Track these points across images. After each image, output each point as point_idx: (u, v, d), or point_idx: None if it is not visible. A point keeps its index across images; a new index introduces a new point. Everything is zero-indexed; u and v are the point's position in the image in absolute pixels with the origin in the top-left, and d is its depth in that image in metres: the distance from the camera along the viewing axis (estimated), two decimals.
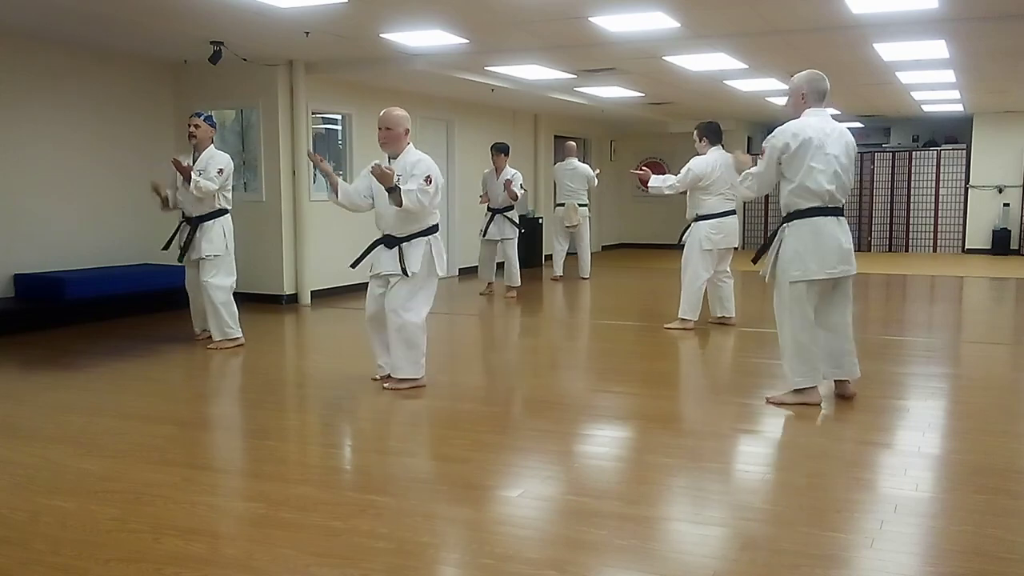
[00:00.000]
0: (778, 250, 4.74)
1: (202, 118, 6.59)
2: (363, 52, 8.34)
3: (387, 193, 4.94)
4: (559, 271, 11.26)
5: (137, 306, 8.19)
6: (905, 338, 7.33)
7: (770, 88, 11.01)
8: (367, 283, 5.40)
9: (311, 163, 5.29)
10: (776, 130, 4.70)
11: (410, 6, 6.48)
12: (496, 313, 8.97)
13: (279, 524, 3.18)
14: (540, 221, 12.98)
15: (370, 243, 5.31)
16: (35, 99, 7.80)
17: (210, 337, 6.70)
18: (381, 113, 5.15)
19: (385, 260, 5.16)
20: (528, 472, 3.87)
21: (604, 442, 4.44)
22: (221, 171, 6.51)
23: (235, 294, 9.06)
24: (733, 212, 7.34)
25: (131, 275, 8.32)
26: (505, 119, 12.82)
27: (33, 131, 7.78)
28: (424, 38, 7.63)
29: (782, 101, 12.55)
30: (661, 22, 6.88)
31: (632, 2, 6.34)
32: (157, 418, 4.75)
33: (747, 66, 9.13)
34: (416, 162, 5.06)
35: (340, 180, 5.38)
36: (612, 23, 6.98)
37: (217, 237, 6.56)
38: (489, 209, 9.69)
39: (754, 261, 5.09)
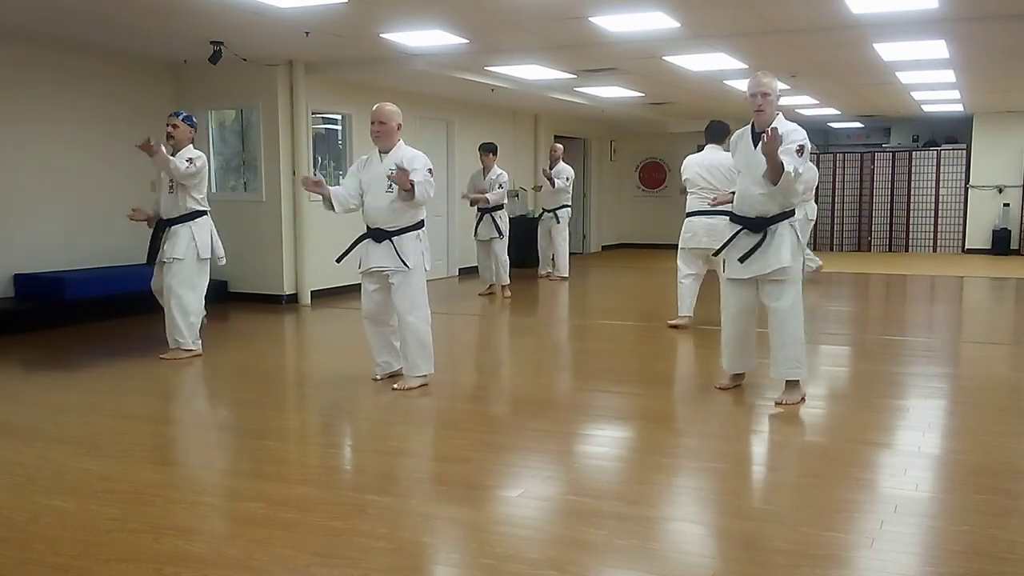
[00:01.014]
0: (795, 243, 4.77)
1: (180, 118, 6.33)
2: (363, 52, 8.34)
3: (402, 191, 4.96)
4: (566, 271, 11.28)
5: (137, 306, 8.16)
6: (905, 338, 7.33)
7: None
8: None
9: (304, 186, 5.23)
10: (799, 128, 4.69)
11: (410, 6, 6.47)
12: (496, 313, 8.97)
13: (279, 524, 3.18)
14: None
15: (356, 238, 5.27)
16: (35, 99, 7.80)
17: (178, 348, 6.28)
18: (373, 108, 5.15)
19: (377, 255, 5.13)
20: (528, 472, 3.86)
21: (604, 442, 4.44)
22: (191, 160, 6.13)
23: (234, 294, 9.17)
24: (703, 212, 6.99)
25: (131, 275, 8.29)
26: (505, 119, 12.82)
27: (33, 131, 7.78)
28: (424, 38, 7.63)
29: (783, 101, 12.55)
30: (661, 22, 6.88)
31: (632, 2, 6.34)
32: (157, 418, 4.75)
33: (747, 66, 9.12)
34: (414, 157, 5.09)
35: (331, 189, 5.24)
36: (612, 23, 6.98)
37: (183, 241, 6.16)
38: (479, 210, 9.70)
39: (715, 255, 5.18)
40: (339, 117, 10.00)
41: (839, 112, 14.36)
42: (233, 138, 9.45)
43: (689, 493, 3.62)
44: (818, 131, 16.47)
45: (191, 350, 6.27)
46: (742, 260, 4.79)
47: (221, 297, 9.13)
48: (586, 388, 5.71)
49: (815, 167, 11.04)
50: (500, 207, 9.65)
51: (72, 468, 3.86)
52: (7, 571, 2.82)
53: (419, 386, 5.22)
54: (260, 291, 9.09)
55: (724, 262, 4.97)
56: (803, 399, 4.86)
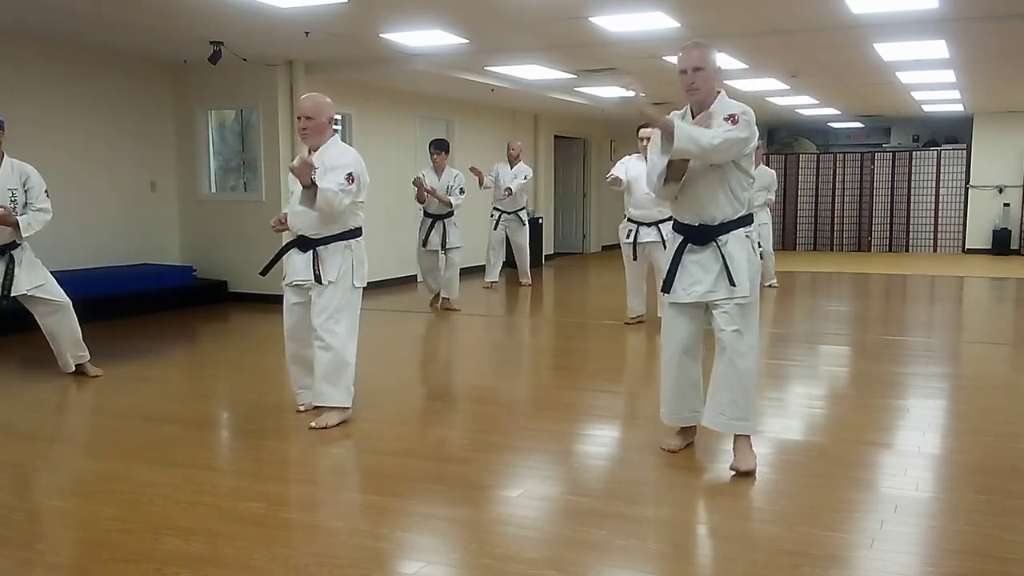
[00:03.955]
0: (751, 260, 3.74)
1: None
2: (363, 52, 8.35)
3: (303, 190, 4.26)
4: (528, 276, 10.75)
5: (137, 306, 8.19)
6: (905, 338, 7.33)
7: (770, 88, 11.01)
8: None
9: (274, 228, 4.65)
10: (748, 109, 3.65)
11: (410, 6, 6.48)
12: (493, 314, 8.96)
13: (279, 524, 3.18)
14: (540, 221, 12.99)
15: (283, 246, 4.75)
16: (34, 99, 7.80)
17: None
18: (301, 98, 4.53)
19: (299, 266, 4.55)
20: (528, 472, 3.86)
21: (604, 442, 4.44)
22: (47, 192, 5.37)
23: (234, 294, 9.17)
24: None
25: (130, 275, 8.32)
26: (505, 119, 12.82)
27: (32, 131, 7.77)
28: (424, 38, 7.63)
29: (783, 101, 12.60)
30: (661, 22, 6.88)
31: (632, 2, 6.34)
32: (157, 418, 4.75)
33: (747, 66, 9.13)
34: (339, 154, 4.43)
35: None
36: (612, 23, 6.98)
37: (38, 265, 5.55)
38: (426, 215, 8.58)
39: (664, 289, 3.85)
40: (339, 117, 9.99)
41: (839, 112, 14.36)
42: (233, 138, 9.45)
43: (689, 493, 3.62)
44: (818, 131, 16.49)
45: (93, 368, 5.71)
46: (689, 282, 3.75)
47: (221, 297, 9.15)
48: (585, 388, 5.71)
49: (772, 170, 10.20)
50: (451, 213, 8.58)
51: (72, 468, 3.87)
52: (7, 571, 2.82)
53: (339, 423, 4.48)
54: (260, 291, 9.06)
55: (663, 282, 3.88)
56: (754, 465, 3.70)
